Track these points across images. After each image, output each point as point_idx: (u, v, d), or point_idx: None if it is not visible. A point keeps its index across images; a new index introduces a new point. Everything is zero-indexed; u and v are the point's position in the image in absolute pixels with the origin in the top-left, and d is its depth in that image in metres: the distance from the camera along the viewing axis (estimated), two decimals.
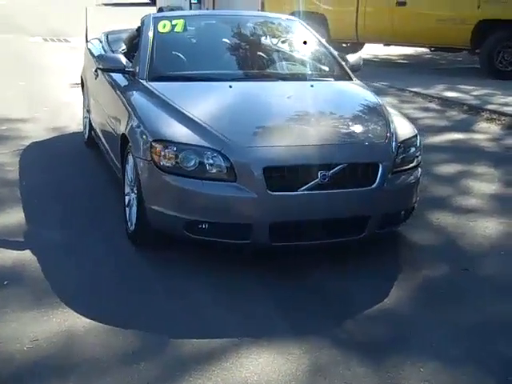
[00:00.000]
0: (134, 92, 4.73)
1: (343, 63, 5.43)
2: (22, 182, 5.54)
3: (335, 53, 5.54)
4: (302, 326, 3.55)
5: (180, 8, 16.74)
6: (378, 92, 10.73)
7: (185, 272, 4.07)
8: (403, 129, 4.51)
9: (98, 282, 3.92)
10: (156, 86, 4.67)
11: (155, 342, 3.29)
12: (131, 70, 4.92)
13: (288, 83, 5.04)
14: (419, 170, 4.48)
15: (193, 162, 3.91)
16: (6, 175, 5.73)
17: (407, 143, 4.38)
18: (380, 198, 4.08)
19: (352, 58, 5.59)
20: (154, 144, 4.02)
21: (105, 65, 4.99)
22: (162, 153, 3.97)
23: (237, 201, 3.88)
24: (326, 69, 5.46)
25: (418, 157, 4.46)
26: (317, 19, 13.43)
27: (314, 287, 3.98)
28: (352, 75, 5.34)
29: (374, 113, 4.65)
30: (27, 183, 5.53)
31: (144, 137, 4.14)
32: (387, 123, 4.42)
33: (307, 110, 4.55)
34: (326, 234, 4.08)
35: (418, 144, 4.51)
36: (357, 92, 5.16)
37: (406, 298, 3.91)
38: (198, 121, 4.12)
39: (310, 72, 5.37)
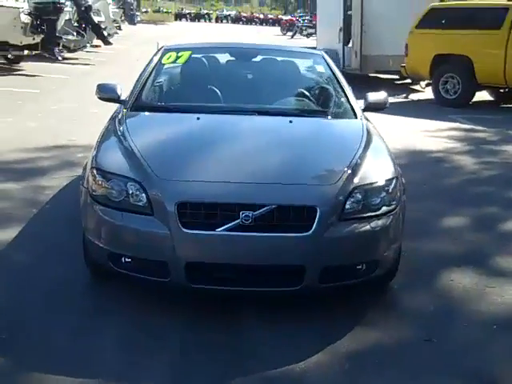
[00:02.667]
0: (111, 122, 4.69)
1: (353, 101, 4.96)
2: (47, 205, 5.70)
3: (349, 90, 5.09)
4: (186, 377, 3.24)
5: (335, 51, 16.71)
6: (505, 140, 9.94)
7: (112, 308, 3.88)
8: (374, 172, 3.96)
9: (19, 308, 3.86)
10: (128, 116, 4.63)
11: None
12: (123, 99, 4.91)
13: (266, 118, 4.68)
14: (391, 217, 3.86)
15: (119, 193, 3.75)
16: (38, 197, 5.90)
17: (369, 188, 3.82)
18: (318, 247, 3.59)
19: (374, 96, 5.09)
20: (92, 171, 3.94)
21: (101, 94, 5.01)
22: (96, 181, 3.87)
23: (151, 236, 3.63)
24: (326, 105, 5.06)
25: (389, 204, 3.87)
26: (462, 62, 12.67)
27: (230, 335, 3.61)
28: (359, 113, 4.84)
29: (343, 154, 4.10)
30: (51, 206, 5.69)
31: (89, 165, 4.09)
32: (350, 165, 3.90)
33: (262, 146, 4.18)
34: (253, 282, 3.67)
35: (391, 189, 3.91)
36: (340, 131, 4.67)
37: (327, 364, 3.39)
38: (137, 152, 3.95)
39: (299, 108, 5.00)
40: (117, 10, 26.57)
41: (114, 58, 19.22)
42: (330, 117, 4.84)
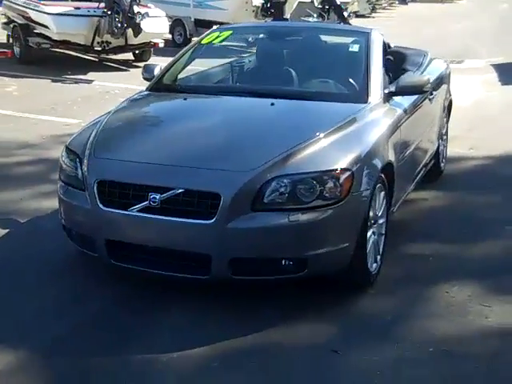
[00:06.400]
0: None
1: (374, 85, 4.45)
2: None
3: (376, 73, 4.56)
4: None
5: None
6: None
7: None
8: (316, 162, 3.57)
9: None
10: (134, 97, 4.81)
11: None
12: None
13: (250, 100, 4.43)
14: (326, 213, 3.46)
15: (73, 169, 3.95)
16: None
17: (299, 178, 3.47)
18: (222, 237, 3.42)
19: (407, 79, 4.55)
20: (63, 149, 4.19)
21: (144, 75, 5.13)
22: (62, 158, 4.13)
23: (79, 210, 3.82)
24: (334, 88, 4.65)
25: (326, 198, 3.47)
26: None
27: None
28: (374, 99, 4.35)
29: (291, 139, 3.72)
30: None
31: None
32: (287, 152, 3.58)
33: (209, 129, 4.04)
34: (162, 265, 3.64)
35: (336, 182, 3.49)
36: (320, 115, 4.24)
37: (198, 357, 3.26)
38: (99, 130, 4.09)
39: (300, 90, 4.64)
40: None
41: None
42: (329, 100, 4.39)
